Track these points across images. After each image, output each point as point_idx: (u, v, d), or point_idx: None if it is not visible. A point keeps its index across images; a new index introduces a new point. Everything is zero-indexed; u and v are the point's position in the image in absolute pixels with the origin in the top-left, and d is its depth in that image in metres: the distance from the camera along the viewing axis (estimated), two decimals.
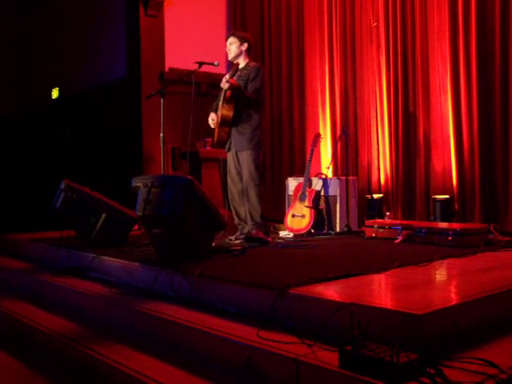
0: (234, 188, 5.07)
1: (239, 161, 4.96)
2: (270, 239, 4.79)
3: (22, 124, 9.90)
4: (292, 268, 3.45)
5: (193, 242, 3.89)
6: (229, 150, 5.04)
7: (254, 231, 4.82)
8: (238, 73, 5.00)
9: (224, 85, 4.80)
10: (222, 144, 5.03)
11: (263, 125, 5.10)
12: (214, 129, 5.07)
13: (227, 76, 4.87)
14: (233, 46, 5.01)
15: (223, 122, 4.89)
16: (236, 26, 7.58)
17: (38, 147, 9.40)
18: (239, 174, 5.00)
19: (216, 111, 5.08)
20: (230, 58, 5.13)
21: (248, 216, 4.91)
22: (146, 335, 3.00)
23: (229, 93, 4.82)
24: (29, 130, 9.71)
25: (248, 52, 5.07)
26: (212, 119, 5.04)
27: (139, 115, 6.88)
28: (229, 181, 5.11)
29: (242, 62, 5.06)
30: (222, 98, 4.91)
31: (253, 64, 5.03)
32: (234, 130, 4.92)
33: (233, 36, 5.05)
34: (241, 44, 5.00)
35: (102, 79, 7.90)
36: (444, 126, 5.62)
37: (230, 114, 4.84)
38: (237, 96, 4.80)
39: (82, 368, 2.91)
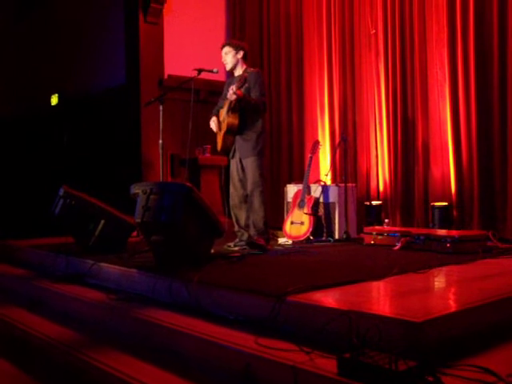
0: (235, 194, 5.06)
1: (243, 167, 4.96)
2: (269, 247, 4.79)
3: (20, 129, 9.92)
4: (290, 275, 3.44)
5: (192, 248, 3.88)
6: (233, 156, 5.04)
7: (255, 237, 4.81)
8: (237, 78, 4.99)
9: (231, 96, 4.77)
10: (226, 151, 5.04)
11: (266, 131, 5.11)
12: (216, 136, 5.07)
13: (234, 87, 4.81)
14: (228, 56, 4.99)
15: (229, 131, 4.88)
16: (235, 33, 7.61)
17: (37, 152, 9.41)
18: (241, 180, 4.99)
19: (217, 114, 5.08)
20: (228, 69, 5.11)
21: (250, 222, 4.91)
22: (143, 342, 3.00)
23: (234, 101, 4.81)
24: (28, 135, 9.72)
25: (244, 59, 5.05)
26: (213, 121, 5.03)
27: (138, 122, 6.89)
28: (231, 187, 5.10)
29: (239, 70, 5.04)
30: (226, 108, 4.89)
31: (251, 70, 5.02)
32: (238, 136, 4.92)
33: (227, 46, 5.02)
34: (236, 52, 4.98)
35: (101, 85, 7.92)
36: (442, 133, 5.63)
37: (236, 122, 4.83)
38: (245, 106, 4.80)
39: (79, 374, 2.90)
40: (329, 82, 6.75)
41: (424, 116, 5.80)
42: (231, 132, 4.89)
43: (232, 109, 4.82)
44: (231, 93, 4.78)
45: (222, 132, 4.94)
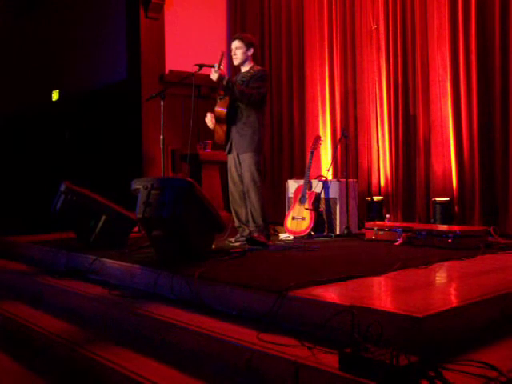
0: (234, 190, 5.06)
1: (240, 163, 4.95)
2: (270, 243, 4.78)
3: (22, 125, 9.91)
4: (292, 270, 3.45)
5: (193, 244, 3.88)
6: (229, 152, 5.03)
7: (255, 234, 4.81)
8: (242, 74, 4.98)
9: (213, 75, 4.71)
10: (219, 142, 5.03)
11: (264, 127, 5.09)
12: (213, 129, 5.07)
13: (216, 67, 4.72)
14: (239, 52, 4.93)
15: (218, 120, 4.89)
16: (236, 28, 7.59)
17: (38, 149, 9.40)
18: (240, 176, 4.99)
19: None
20: (235, 64, 5.06)
21: (250, 218, 4.90)
22: (145, 337, 3.00)
23: (222, 92, 4.79)
24: (29, 132, 9.71)
25: (253, 55, 5.03)
26: (208, 118, 5.02)
27: (139, 117, 6.88)
28: (230, 183, 5.10)
29: (246, 66, 5.01)
30: (217, 96, 4.91)
31: (257, 68, 5.00)
32: (234, 131, 4.90)
33: (239, 40, 4.94)
34: (247, 49, 4.92)
35: (102, 81, 7.91)
36: (444, 129, 5.62)
37: (224, 110, 4.82)
38: (226, 87, 4.71)
39: (81, 370, 2.91)
40: (330, 78, 6.74)
41: (425, 111, 5.79)
42: (220, 120, 4.88)
43: (220, 97, 4.83)
44: (213, 71, 4.70)
45: (214, 122, 4.96)
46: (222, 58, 4.80)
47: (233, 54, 5.00)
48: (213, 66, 4.93)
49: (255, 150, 4.87)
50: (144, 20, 6.94)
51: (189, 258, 3.80)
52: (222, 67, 4.79)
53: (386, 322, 2.22)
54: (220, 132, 4.94)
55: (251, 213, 4.88)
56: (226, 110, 4.82)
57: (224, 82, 4.70)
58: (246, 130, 4.85)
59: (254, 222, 4.86)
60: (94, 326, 3.39)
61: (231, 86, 4.71)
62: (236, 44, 4.95)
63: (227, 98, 4.81)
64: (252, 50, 4.97)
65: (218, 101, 4.85)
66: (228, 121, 4.86)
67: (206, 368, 2.54)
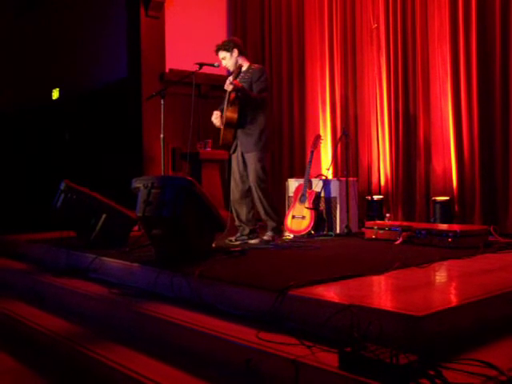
0: (236, 189, 5.06)
1: (245, 162, 4.96)
2: (276, 240, 4.82)
3: (22, 124, 9.92)
4: (292, 269, 3.45)
5: (193, 242, 3.88)
6: (234, 151, 5.03)
7: (268, 236, 4.88)
8: (242, 75, 4.98)
9: (228, 86, 4.78)
10: (227, 146, 5.03)
11: (268, 126, 5.10)
12: (217, 130, 5.06)
13: (231, 78, 4.83)
14: (226, 60, 4.96)
15: (228, 124, 4.87)
16: (236, 28, 7.59)
17: (38, 148, 9.41)
18: (242, 175, 4.99)
19: (222, 111, 5.07)
20: (231, 70, 5.09)
21: (263, 215, 4.95)
22: (145, 336, 3.00)
23: (233, 95, 4.78)
24: (29, 131, 9.72)
25: (242, 53, 5.00)
26: (216, 116, 5.00)
27: (140, 116, 6.88)
28: (232, 182, 5.10)
29: (244, 66, 5.01)
30: (226, 101, 4.89)
31: (255, 66, 5.01)
32: (240, 131, 4.91)
33: (219, 51, 4.97)
34: (231, 53, 4.93)
35: (102, 80, 7.91)
36: (444, 128, 5.62)
37: (235, 116, 4.82)
38: (242, 97, 4.77)
39: (81, 368, 2.91)
40: (330, 77, 6.74)
41: (425, 110, 5.79)
42: (230, 125, 4.88)
43: (231, 102, 4.81)
44: (228, 83, 4.78)
45: (223, 125, 4.94)
46: (239, 72, 4.86)
47: (224, 65, 5.02)
48: (213, 65, 4.94)
49: (261, 149, 4.88)
50: (144, 19, 6.94)
51: (189, 256, 3.80)
52: (237, 79, 4.82)
53: (385, 320, 2.22)
54: (229, 136, 4.93)
55: (265, 210, 4.90)
56: (237, 116, 4.82)
57: (239, 94, 4.74)
58: (252, 130, 4.86)
59: (269, 216, 4.91)
60: (95, 324, 3.39)
61: (247, 97, 4.76)
62: (220, 55, 4.98)
63: (237, 102, 4.81)
64: (236, 50, 4.95)
65: (229, 107, 4.82)
66: (238, 126, 4.87)
67: (206, 366, 2.55)
